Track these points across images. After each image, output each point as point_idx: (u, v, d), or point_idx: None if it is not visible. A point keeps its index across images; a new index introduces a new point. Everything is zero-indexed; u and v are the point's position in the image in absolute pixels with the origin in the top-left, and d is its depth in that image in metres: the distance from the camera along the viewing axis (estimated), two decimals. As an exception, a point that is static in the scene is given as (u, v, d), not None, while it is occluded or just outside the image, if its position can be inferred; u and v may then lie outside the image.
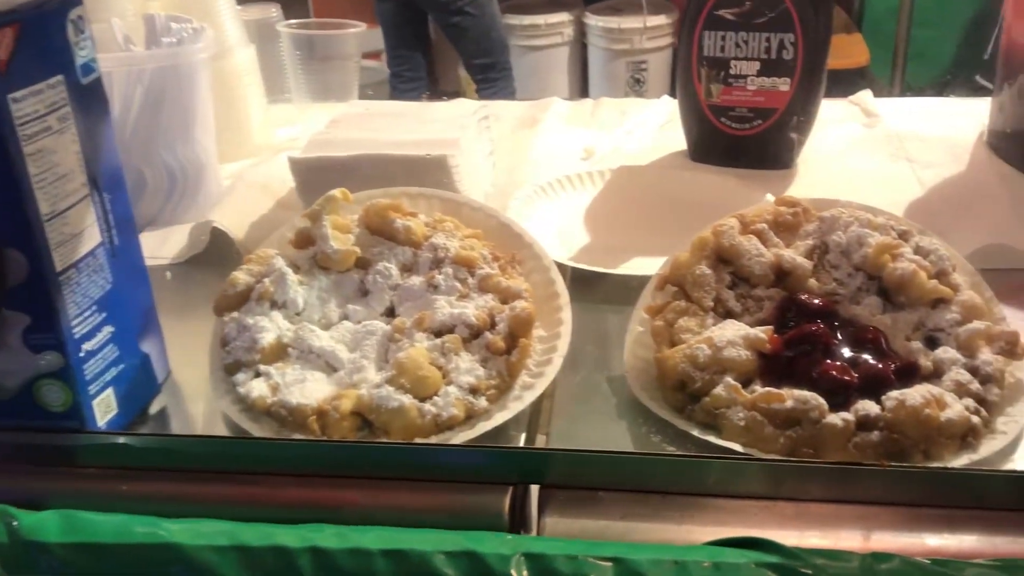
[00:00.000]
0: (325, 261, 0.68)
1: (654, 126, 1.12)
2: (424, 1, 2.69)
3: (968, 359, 0.59)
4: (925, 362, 0.60)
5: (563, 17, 3.12)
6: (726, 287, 0.65)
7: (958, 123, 1.03)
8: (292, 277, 0.66)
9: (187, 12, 0.97)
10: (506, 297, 0.66)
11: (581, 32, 3.16)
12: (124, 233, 0.62)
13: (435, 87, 3.33)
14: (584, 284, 0.78)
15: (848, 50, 2.93)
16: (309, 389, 0.61)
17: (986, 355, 0.59)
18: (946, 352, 0.60)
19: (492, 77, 2.83)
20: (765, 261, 0.65)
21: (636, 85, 3.13)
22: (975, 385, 0.58)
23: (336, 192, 0.70)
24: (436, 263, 0.68)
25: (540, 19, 3.10)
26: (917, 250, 0.65)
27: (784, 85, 0.93)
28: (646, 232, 0.87)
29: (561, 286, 0.69)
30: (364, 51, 3.16)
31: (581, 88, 3.23)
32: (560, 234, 0.87)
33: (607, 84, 3.14)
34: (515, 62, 2.93)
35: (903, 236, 0.66)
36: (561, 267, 0.77)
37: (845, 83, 1.28)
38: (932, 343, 0.62)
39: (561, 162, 1.02)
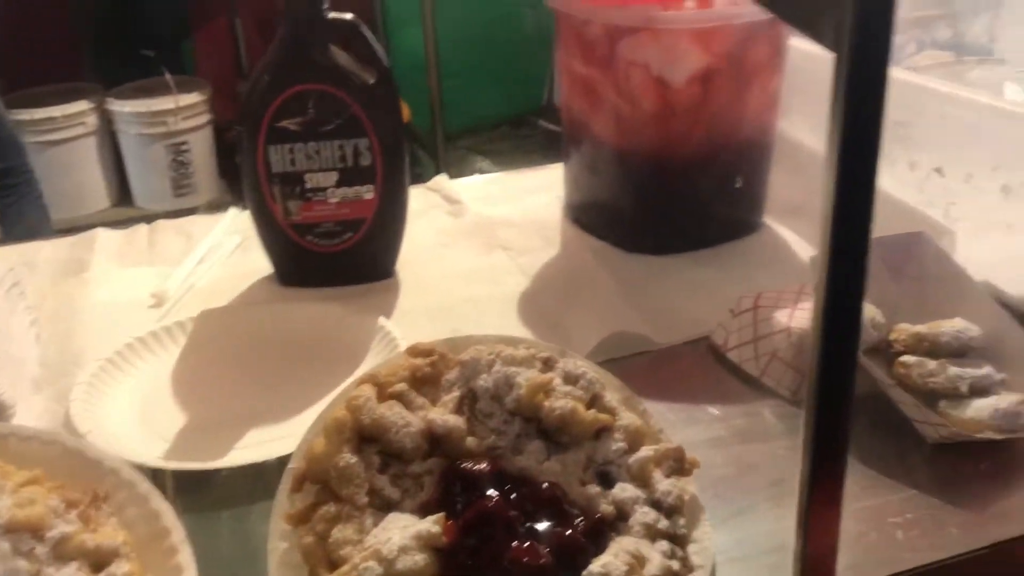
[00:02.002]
0: None
1: (228, 248, 0.98)
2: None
3: (647, 492, 0.55)
4: (607, 507, 0.55)
5: (83, 106, 2.80)
6: (377, 472, 0.55)
7: (539, 199, 1.03)
8: None
9: None
10: (99, 559, 0.49)
11: (107, 119, 2.86)
12: None
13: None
14: (195, 486, 0.63)
15: (389, 109, 2.98)
16: None
17: (663, 484, 0.55)
18: (624, 490, 0.55)
19: (10, 183, 2.43)
20: (415, 430, 0.55)
21: (181, 167, 2.91)
22: (663, 522, 0.54)
23: None
24: (-16, 540, 0.49)
25: (55, 111, 2.75)
26: (566, 378, 0.60)
27: (368, 193, 0.85)
28: (253, 391, 0.74)
29: (170, 516, 0.53)
30: None
31: (119, 179, 2.92)
32: (146, 422, 0.70)
33: (147, 169, 2.89)
34: (35, 161, 2.55)
35: (548, 364, 0.61)
36: (160, 473, 0.62)
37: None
38: (606, 479, 0.57)
39: (127, 318, 0.83)
